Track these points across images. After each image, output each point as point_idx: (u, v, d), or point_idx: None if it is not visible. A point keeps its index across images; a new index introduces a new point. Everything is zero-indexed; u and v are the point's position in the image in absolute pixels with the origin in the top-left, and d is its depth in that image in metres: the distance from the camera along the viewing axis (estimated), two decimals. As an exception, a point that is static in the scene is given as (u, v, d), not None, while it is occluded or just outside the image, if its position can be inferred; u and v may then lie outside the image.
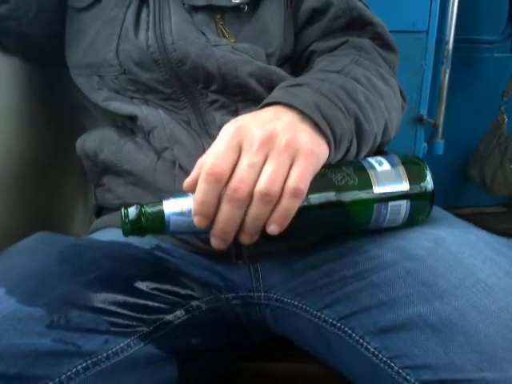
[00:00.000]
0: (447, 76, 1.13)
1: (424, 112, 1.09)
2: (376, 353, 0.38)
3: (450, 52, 1.11)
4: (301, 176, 0.33)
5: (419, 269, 0.38)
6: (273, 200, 0.33)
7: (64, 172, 0.72)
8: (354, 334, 0.40)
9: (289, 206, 0.33)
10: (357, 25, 0.52)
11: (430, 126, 1.14)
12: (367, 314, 0.39)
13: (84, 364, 0.35)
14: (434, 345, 0.34)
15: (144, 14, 0.50)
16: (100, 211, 0.56)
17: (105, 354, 0.36)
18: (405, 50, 1.00)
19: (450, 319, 0.34)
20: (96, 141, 0.52)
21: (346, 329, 0.41)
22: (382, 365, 0.37)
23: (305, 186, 0.34)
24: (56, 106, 0.68)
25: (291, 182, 0.33)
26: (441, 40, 1.10)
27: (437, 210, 0.45)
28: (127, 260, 0.44)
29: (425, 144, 1.16)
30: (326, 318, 0.42)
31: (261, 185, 0.33)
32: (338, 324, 0.41)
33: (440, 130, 1.16)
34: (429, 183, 0.39)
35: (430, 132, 1.17)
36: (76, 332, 0.36)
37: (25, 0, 0.52)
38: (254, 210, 0.33)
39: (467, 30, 1.18)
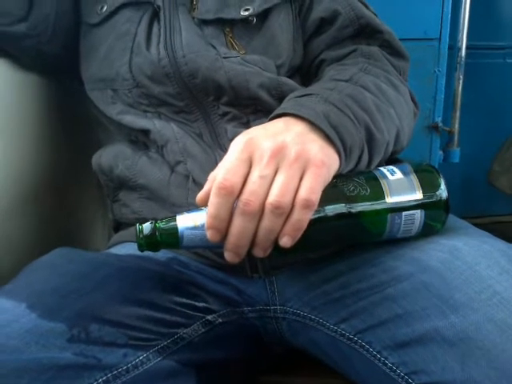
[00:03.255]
0: (461, 83, 1.12)
1: (439, 120, 1.08)
2: (394, 368, 0.37)
3: (463, 58, 1.11)
4: (312, 187, 0.34)
5: (435, 281, 0.37)
6: (284, 212, 0.33)
7: (82, 187, 0.73)
8: (371, 349, 0.39)
9: (300, 218, 0.33)
10: (365, 33, 0.52)
11: (444, 134, 1.13)
12: (384, 328, 0.38)
13: (104, 377, 0.36)
14: (451, 360, 0.33)
15: (155, 29, 0.51)
16: (118, 226, 0.57)
17: (124, 367, 0.37)
18: (417, 57, 1.00)
19: (466, 333, 0.33)
20: (111, 156, 0.54)
21: (363, 343, 0.40)
22: (400, 380, 0.36)
23: (316, 197, 0.34)
24: (73, 121, 0.69)
25: (302, 194, 0.33)
26: (453, 47, 1.10)
27: (453, 219, 0.44)
28: (144, 273, 0.44)
29: (441, 152, 1.14)
30: (343, 332, 0.42)
31: (272, 197, 0.33)
32: (355, 338, 0.41)
33: (456, 137, 1.14)
34: (443, 191, 0.39)
35: (445, 140, 1.16)
36: (96, 345, 0.36)
37: (42, 18, 0.54)
38: (266, 222, 0.34)
39: (478, 36, 1.17)
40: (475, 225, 0.46)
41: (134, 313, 0.40)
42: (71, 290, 0.40)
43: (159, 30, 0.51)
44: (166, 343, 0.40)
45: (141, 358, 0.38)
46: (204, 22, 0.51)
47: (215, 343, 0.44)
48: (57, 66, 0.61)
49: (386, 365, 0.38)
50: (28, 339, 0.34)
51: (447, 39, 1.03)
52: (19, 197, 0.59)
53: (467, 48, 1.10)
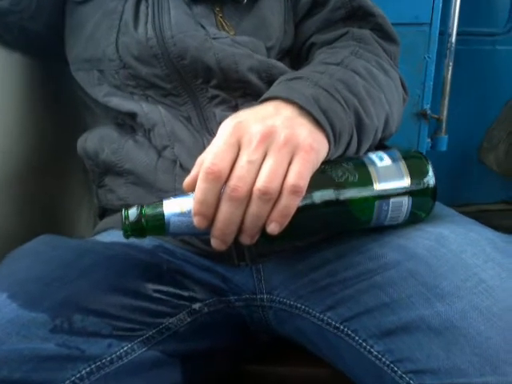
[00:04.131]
0: (450, 69, 1.11)
1: (427, 107, 1.07)
2: (379, 356, 0.37)
3: (454, 45, 1.10)
4: (300, 173, 0.33)
5: (421, 269, 0.37)
6: (272, 198, 0.33)
7: (67, 173, 0.72)
8: (357, 337, 0.39)
9: (288, 204, 0.33)
10: (357, 16, 0.51)
11: (433, 121, 1.13)
12: (370, 317, 0.38)
13: (88, 368, 0.35)
14: (436, 348, 0.33)
15: (143, 7, 0.50)
16: (103, 213, 0.56)
17: (108, 358, 0.36)
18: (408, 43, 0.99)
19: (451, 321, 0.33)
20: (97, 140, 0.52)
21: (349, 331, 0.40)
22: (386, 368, 0.37)
23: (304, 183, 0.33)
24: (58, 104, 0.68)
25: (290, 179, 0.33)
26: (443, 33, 1.09)
27: (439, 207, 0.44)
28: (130, 262, 0.44)
29: (428, 140, 1.15)
30: (329, 321, 0.42)
31: (260, 183, 0.33)
32: (341, 327, 0.41)
33: (444, 125, 1.14)
34: (431, 178, 0.39)
35: (433, 127, 1.16)
36: (79, 336, 0.36)
37: None
38: (254, 208, 0.33)
39: (469, 22, 1.16)
40: (461, 213, 0.46)
41: (118, 302, 0.39)
42: (55, 278, 0.39)
43: (147, 8, 0.49)
44: (151, 333, 0.40)
45: (125, 348, 0.38)
46: (193, 1, 0.49)
47: (201, 333, 0.44)
48: (40, 45, 0.59)
49: (371, 353, 0.38)
50: (9, 329, 0.34)
51: (438, 25, 1.03)
52: (2, 181, 0.57)
53: (458, 34, 1.10)
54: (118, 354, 0.37)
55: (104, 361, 0.36)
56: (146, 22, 0.48)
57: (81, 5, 0.53)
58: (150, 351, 0.39)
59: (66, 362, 0.34)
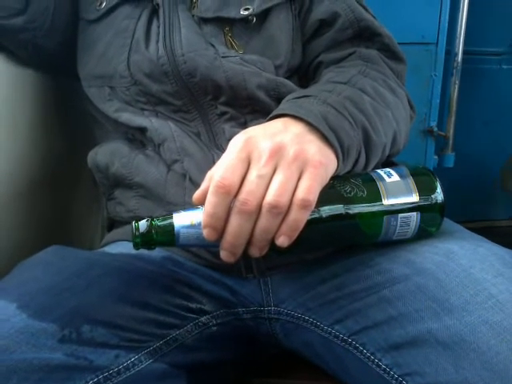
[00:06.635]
0: (457, 88, 1.13)
1: (434, 124, 1.08)
2: (387, 370, 0.37)
3: (460, 64, 1.11)
4: (309, 187, 0.33)
5: (430, 284, 0.37)
6: (281, 212, 0.33)
7: (77, 185, 0.73)
8: (365, 351, 0.39)
9: (298, 218, 0.33)
10: (364, 36, 0.52)
11: (440, 138, 1.14)
12: (378, 330, 0.38)
13: (95, 379, 0.35)
14: (444, 362, 0.33)
15: (154, 26, 0.51)
16: (112, 225, 0.57)
17: (116, 369, 0.36)
18: (414, 62, 1.00)
19: (461, 335, 0.33)
20: (107, 154, 0.53)
21: (357, 345, 0.40)
22: (394, 382, 0.36)
23: (313, 197, 0.34)
24: (69, 118, 0.69)
25: (300, 194, 0.33)
26: (450, 52, 1.11)
27: (448, 223, 0.45)
28: (138, 273, 0.44)
29: (435, 157, 1.15)
30: (337, 334, 0.42)
31: (269, 197, 0.33)
32: (349, 340, 0.41)
33: (450, 142, 1.15)
34: (439, 195, 0.39)
35: (440, 145, 1.17)
36: (87, 346, 0.36)
37: (40, 13, 0.54)
38: (263, 222, 0.33)
39: (475, 41, 1.18)
40: (469, 229, 0.46)
41: (126, 313, 0.39)
42: (64, 289, 0.39)
43: (158, 27, 0.51)
44: (158, 344, 0.40)
45: (132, 359, 0.38)
46: (203, 21, 0.51)
47: (208, 345, 0.44)
48: (53, 61, 0.60)
49: (379, 366, 0.38)
50: (19, 339, 0.34)
51: (444, 44, 1.04)
52: (12, 193, 0.58)
53: (464, 53, 1.11)
54: (125, 365, 0.37)
55: (111, 371, 0.36)
56: (157, 41, 0.50)
57: (93, 24, 0.54)
58: (157, 363, 0.39)
59: (73, 372, 0.34)
